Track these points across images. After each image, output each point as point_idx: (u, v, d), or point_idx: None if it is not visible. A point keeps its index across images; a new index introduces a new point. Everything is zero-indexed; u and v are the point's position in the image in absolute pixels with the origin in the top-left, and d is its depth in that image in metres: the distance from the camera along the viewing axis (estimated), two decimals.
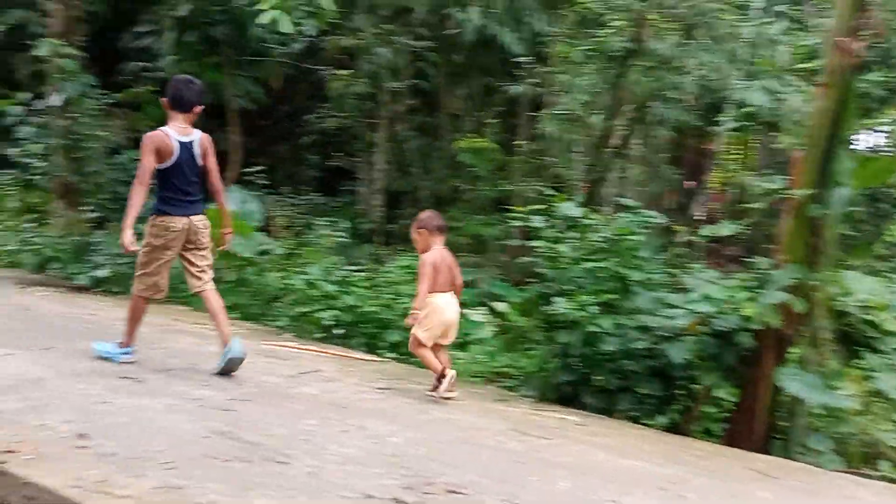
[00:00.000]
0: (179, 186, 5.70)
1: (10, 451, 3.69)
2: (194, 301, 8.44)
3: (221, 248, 6.11)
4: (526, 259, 6.67)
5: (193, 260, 5.75)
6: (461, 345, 7.89)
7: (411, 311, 5.68)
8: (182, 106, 5.76)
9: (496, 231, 13.67)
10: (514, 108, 14.84)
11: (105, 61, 14.92)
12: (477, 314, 7.86)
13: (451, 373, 5.63)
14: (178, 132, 5.73)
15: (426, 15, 14.07)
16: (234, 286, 8.49)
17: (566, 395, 6.15)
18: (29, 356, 5.64)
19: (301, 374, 5.92)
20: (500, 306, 7.28)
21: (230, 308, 7.73)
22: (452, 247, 12.18)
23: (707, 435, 5.93)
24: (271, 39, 10.96)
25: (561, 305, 5.94)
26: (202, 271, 5.77)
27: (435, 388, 5.63)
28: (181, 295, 8.73)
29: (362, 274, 8.20)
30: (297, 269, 8.58)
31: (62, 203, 10.09)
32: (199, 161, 5.78)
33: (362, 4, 14.14)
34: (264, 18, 7.21)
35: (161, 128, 5.76)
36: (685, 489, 4.27)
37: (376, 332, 7.53)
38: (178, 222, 5.65)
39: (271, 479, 3.68)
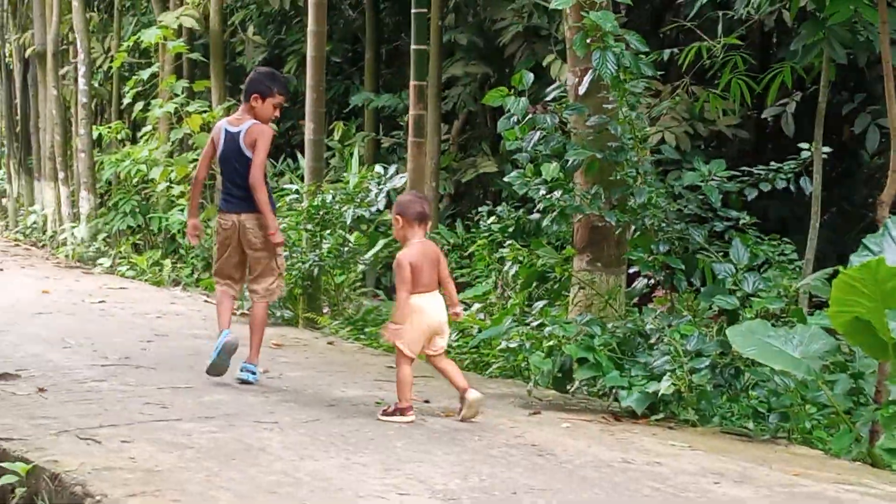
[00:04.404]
0: (225, 180, 5.44)
1: None
2: None
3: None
4: None
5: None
6: None
7: (389, 323, 4.71)
8: (244, 95, 5.38)
9: None
10: None
11: None
12: None
13: (472, 395, 4.63)
14: (229, 121, 5.38)
15: None
16: None
17: None
18: None
19: None
20: None
21: None
22: None
23: None
24: None
25: None
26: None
27: (385, 413, 4.61)
28: None
29: None
30: None
31: None
32: (248, 153, 5.20)
33: None
34: None
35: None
36: None
37: None
38: (229, 219, 5.30)
39: None
